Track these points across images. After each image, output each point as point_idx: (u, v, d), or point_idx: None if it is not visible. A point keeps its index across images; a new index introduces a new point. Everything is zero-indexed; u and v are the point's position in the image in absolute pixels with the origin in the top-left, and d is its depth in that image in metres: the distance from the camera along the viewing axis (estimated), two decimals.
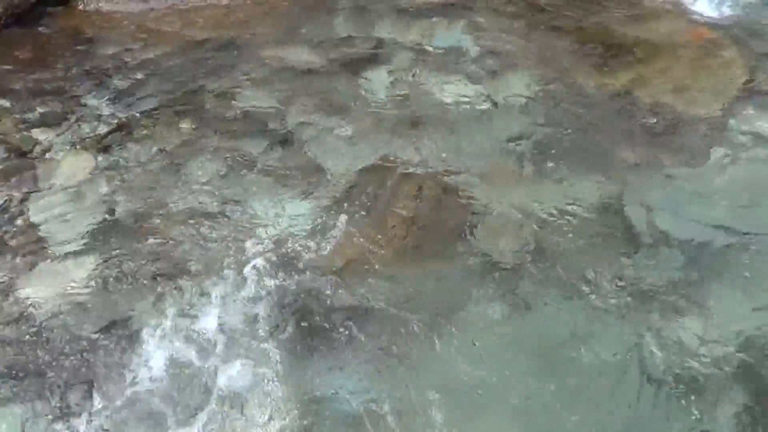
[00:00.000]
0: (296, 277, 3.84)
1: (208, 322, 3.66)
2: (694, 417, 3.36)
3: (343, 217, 4.11)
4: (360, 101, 4.83)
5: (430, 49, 5.26)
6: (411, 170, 4.37)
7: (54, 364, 3.55)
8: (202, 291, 3.78)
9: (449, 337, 3.64)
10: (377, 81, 5.01)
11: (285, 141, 4.62)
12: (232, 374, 3.46)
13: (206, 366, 3.49)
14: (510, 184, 4.26)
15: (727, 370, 3.52)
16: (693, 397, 3.43)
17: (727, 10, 5.65)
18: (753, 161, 4.45)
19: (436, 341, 3.59)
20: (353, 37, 5.40)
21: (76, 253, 4.04)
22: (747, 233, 4.09)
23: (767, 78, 5.01)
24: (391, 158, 4.43)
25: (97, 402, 3.41)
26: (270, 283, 3.79)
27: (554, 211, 4.13)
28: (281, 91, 4.98)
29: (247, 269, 3.86)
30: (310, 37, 5.42)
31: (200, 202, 4.22)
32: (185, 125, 4.72)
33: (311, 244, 3.99)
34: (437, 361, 3.55)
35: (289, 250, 3.94)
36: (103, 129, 4.76)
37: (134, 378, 3.48)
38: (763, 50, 5.23)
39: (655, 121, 4.71)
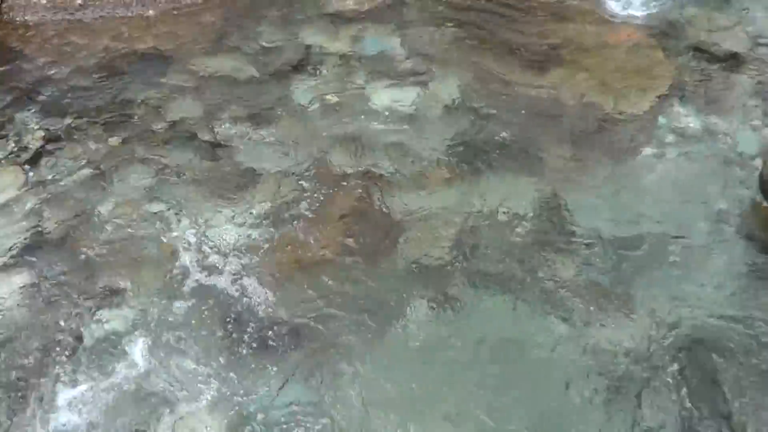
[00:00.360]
0: (230, 284, 3.86)
1: (136, 340, 3.66)
2: (623, 413, 3.44)
3: (276, 224, 4.13)
4: (290, 109, 4.86)
5: (360, 55, 5.28)
6: (344, 175, 4.40)
7: None
8: (134, 305, 3.78)
9: (382, 337, 3.71)
10: (306, 88, 5.05)
11: (215, 150, 4.62)
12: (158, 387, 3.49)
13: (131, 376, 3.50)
14: (443, 186, 4.33)
15: (658, 365, 3.62)
16: (623, 393, 3.52)
17: (653, 11, 5.76)
18: (681, 158, 4.58)
19: (370, 342, 3.67)
20: (282, 45, 5.41)
21: (4, 268, 3.97)
22: (676, 229, 4.22)
23: (693, 76, 5.09)
24: (323, 164, 4.46)
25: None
26: (203, 292, 3.81)
27: (487, 212, 4.19)
28: (210, 101, 4.98)
29: (179, 280, 3.87)
30: (237, 46, 5.43)
31: (130, 215, 4.21)
32: (114, 138, 4.72)
33: (244, 251, 4.00)
34: (369, 362, 3.60)
35: (222, 259, 3.96)
36: (31, 143, 4.72)
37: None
38: (688, 49, 5.31)
39: (584, 120, 4.78)
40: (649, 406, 3.41)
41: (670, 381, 3.56)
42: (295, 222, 4.09)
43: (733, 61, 5.23)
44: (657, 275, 3.96)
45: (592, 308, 3.75)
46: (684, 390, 3.42)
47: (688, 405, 3.35)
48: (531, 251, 3.95)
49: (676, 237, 4.11)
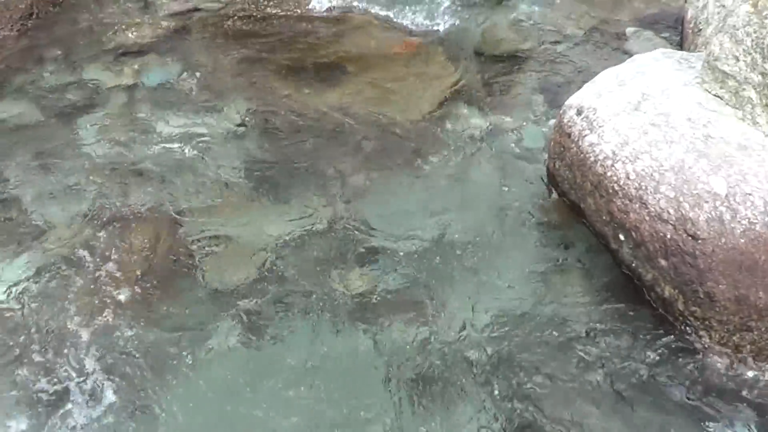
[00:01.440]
0: (26, 340, 3.73)
1: None
2: (432, 417, 3.43)
3: (71, 272, 4.02)
4: (78, 149, 4.72)
5: (145, 88, 5.20)
6: (138, 211, 4.30)
7: None
8: None
9: (191, 370, 3.60)
10: (94, 127, 4.92)
11: (1, 200, 4.45)
12: None
13: None
14: (239, 211, 4.28)
15: (458, 370, 3.63)
16: (430, 398, 3.51)
17: (432, 19, 5.91)
18: (471, 160, 4.64)
19: (179, 378, 3.55)
20: (66, 86, 5.27)
21: None
22: (472, 231, 4.26)
23: (476, 78, 5.25)
24: (117, 202, 4.36)
25: None
26: None
27: (284, 233, 4.16)
28: None
29: None
30: (21, 89, 5.25)
31: None
32: None
33: (37, 305, 3.88)
34: (179, 399, 3.50)
35: (10, 316, 3.83)
36: None
37: None
38: (468, 53, 5.48)
39: (373, 133, 4.79)
40: (457, 406, 3.40)
41: (478, 381, 3.58)
42: (90, 265, 3.95)
43: (513, 60, 5.39)
44: (457, 279, 4.00)
45: (394, 318, 3.74)
46: (491, 389, 3.45)
47: (495, 405, 3.40)
48: (330, 268, 3.96)
49: (473, 239, 4.15)
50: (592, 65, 5.22)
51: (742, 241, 3.35)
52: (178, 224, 4.17)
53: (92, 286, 3.87)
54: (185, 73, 5.28)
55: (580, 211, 3.94)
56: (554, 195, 4.26)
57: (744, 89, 3.69)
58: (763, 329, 3.38)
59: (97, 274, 3.91)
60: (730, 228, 3.37)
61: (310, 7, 5.89)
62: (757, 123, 3.65)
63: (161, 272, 3.92)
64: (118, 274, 3.91)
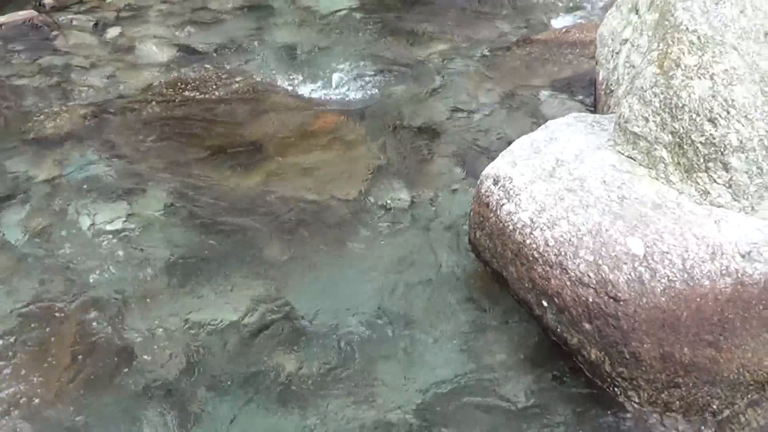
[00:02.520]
0: None
1: None
2: None
3: None
4: (1, 247, 4.67)
5: (66, 177, 5.16)
6: (65, 307, 4.24)
7: None
8: None
9: None
10: (15, 222, 4.86)
11: None
12: None
13: None
14: (163, 300, 4.25)
15: None
16: None
17: (347, 93, 5.99)
18: (392, 236, 4.67)
19: None
20: None
21: None
22: (400, 307, 4.30)
23: (396, 152, 5.31)
24: (42, 299, 4.30)
25: None
26: None
27: (212, 320, 4.12)
28: None
29: None
30: None
31: None
32: None
33: None
34: None
35: None
36: None
37: None
38: (386, 126, 5.55)
39: (295, 213, 4.81)
40: None
41: None
42: (13, 359, 3.89)
43: (431, 130, 5.47)
44: (387, 356, 4.02)
45: (327, 398, 3.74)
46: None
47: None
48: (261, 350, 3.94)
49: (402, 313, 4.18)
50: (509, 132, 5.32)
51: (663, 299, 3.42)
52: (104, 314, 4.09)
53: (16, 380, 3.74)
54: (106, 161, 5.26)
55: (503, 279, 3.99)
56: (478, 265, 4.18)
57: (656, 149, 3.79)
58: (690, 385, 3.44)
59: (22, 372, 3.80)
60: (651, 287, 3.43)
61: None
62: (671, 181, 3.74)
63: (88, 364, 3.88)
64: (42, 369, 3.81)
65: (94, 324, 4.11)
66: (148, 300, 4.22)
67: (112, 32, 7.06)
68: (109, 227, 4.72)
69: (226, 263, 4.44)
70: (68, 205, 4.90)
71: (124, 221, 4.76)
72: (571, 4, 7.88)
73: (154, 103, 5.92)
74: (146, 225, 4.73)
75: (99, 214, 4.82)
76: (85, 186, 5.06)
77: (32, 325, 4.09)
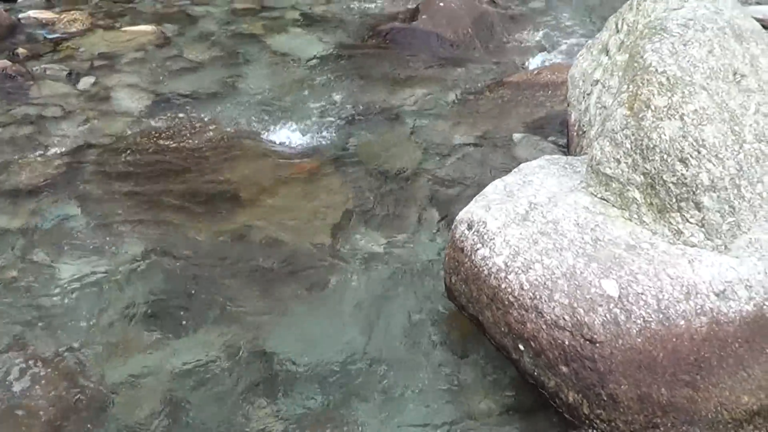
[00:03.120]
0: None
1: None
2: None
3: None
4: None
5: (40, 228, 5.14)
6: (42, 360, 4.21)
7: None
8: None
9: None
10: None
11: None
12: None
13: None
14: (139, 351, 4.23)
15: None
16: None
17: (322, 139, 6.03)
18: (368, 282, 4.69)
19: None
20: None
21: None
22: (377, 352, 4.30)
23: (370, 196, 5.34)
24: (18, 351, 4.27)
25: None
26: None
27: (188, 370, 4.10)
28: None
29: None
30: None
31: None
32: None
33: None
34: None
35: None
36: None
37: None
38: (360, 172, 5.58)
39: (271, 261, 4.80)
40: None
41: None
42: None
43: (405, 175, 5.50)
44: (365, 403, 4.00)
45: None
46: None
47: None
48: (238, 399, 3.92)
49: (379, 360, 4.17)
50: (482, 175, 5.35)
51: (639, 340, 3.43)
52: (80, 366, 4.05)
53: None
54: (81, 211, 5.26)
55: (479, 324, 3.99)
56: (454, 309, 4.19)
57: (628, 190, 3.82)
58: (669, 425, 3.46)
59: None
60: (626, 329, 3.44)
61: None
62: (644, 222, 3.77)
63: (66, 417, 3.80)
64: (18, 420, 3.77)
65: (70, 375, 4.05)
66: (124, 349, 4.21)
67: (86, 81, 7.08)
68: (84, 277, 4.69)
69: (202, 311, 4.45)
70: (43, 256, 4.89)
71: (100, 271, 4.75)
72: (543, 46, 7.93)
73: (128, 152, 5.92)
74: (121, 274, 4.72)
75: (74, 264, 4.79)
76: (60, 236, 5.05)
77: (7, 377, 4.03)
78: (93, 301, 4.54)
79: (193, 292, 4.57)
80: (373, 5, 9.29)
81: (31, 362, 4.15)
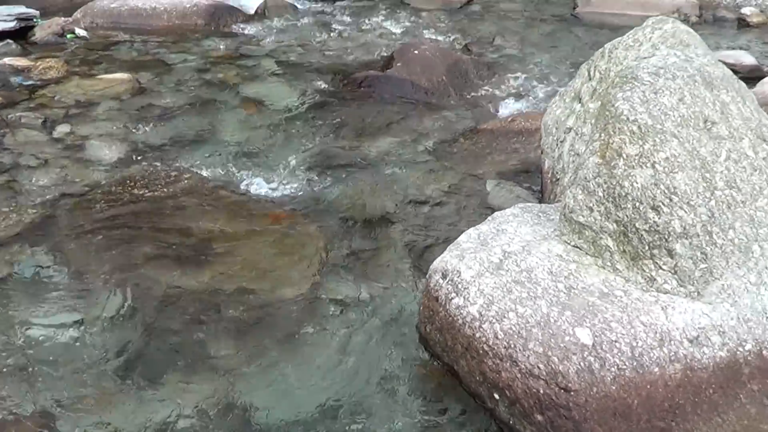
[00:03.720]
0: None
1: None
2: None
3: None
4: None
5: (14, 280, 5.11)
6: (16, 415, 4.17)
7: None
8: None
9: None
10: None
11: None
12: None
13: None
14: (113, 403, 4.20)
15: None
16: None
17: (296, 188, 6.05)
18: (343, 332, 4.72)
19: None
20: None
21: None
22: (353, 404, 4.29)
23: (345, 245, 5.36)
24: None
25: None
26: None
27: (160, 424, 4.08)
28: None
29: None
30: None
31: None
32: None
33: None
34: None
35: None
36: None
37: None
38: (335, 221, 5.60)
39: (245, 312, 4.79)
40: None
41: None
42: None
43: (379, 224, 5.52)
44: None
45: None
46: None
47: None
48: None
49: (356, 411, 4.16)
50: (457, 223, 5.38)
51: (614, 388, 3.46)
52: (52, 420, 4.02)
53: None
54: (55, 262, 5.25)
55: (454, 373, 4.01)
56: (429, 358, 4.20)
57: (601, 238, 3.85)
58: None
59: None
60: (600, 377, 3.46)
61: None
62: (617, 269, 3.80)
63: None
64: None
65: (42, 428, 4.00)
66: (98, 401, 4.20)
67: (61, 130, 7.10)
68: (58, 330, 4.66)
69: (176, 362, 4.43)
70: (17, 308, 4.86)
71: (74, 323, 4.74)
72: (517, 93, 8.01)
73: (103, 201, 5.92)
74: (96, 327, 4.70)
75: (48, 316, 4.78)
76: (33, 288, 5.03)
77: None
78: (65, 353, 4.52)
79: (168, 344, 4.58)
80: (348, 53, 9.33)
81: (5, 416, 4.08)
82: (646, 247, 3.80)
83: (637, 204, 3.78)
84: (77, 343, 4.58)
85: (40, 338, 4.66)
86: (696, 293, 3.77)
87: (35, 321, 4.78)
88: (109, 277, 5.12)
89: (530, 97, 8.02)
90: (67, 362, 4.49)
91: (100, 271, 5.18)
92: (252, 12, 10.53)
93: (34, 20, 9.61)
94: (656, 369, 3.53)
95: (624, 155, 3.83)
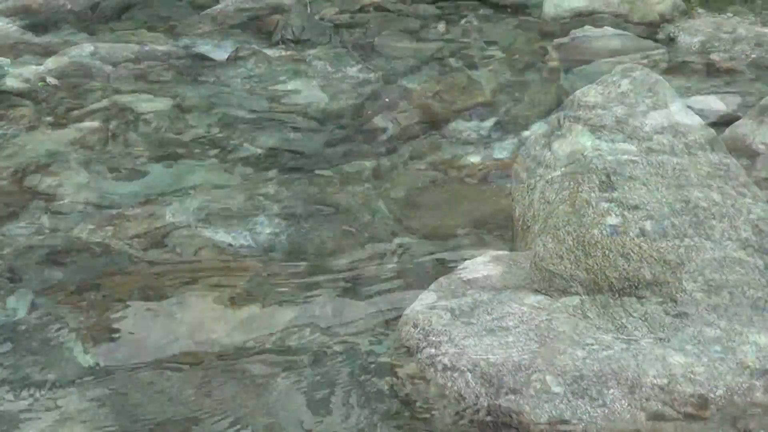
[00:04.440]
0: None
1: None
2: None
3: None
4: None
5: None
6: None
7: None
8: None
9: None
10: None
11: None
12: None
13: None
14: None
15: None
16: None
17: (270, 240, 6.12)
18: (319, 383, 4.68)
19: None
20: None
21: None
22: None
23: (316, 298, 5.43)
24: None
25: None
26: None
27: None
28: None
29: None
30: None
31: None
32: None
33: None
34: None
35: None
36: None
37: None
38: (308, 272, 5.66)
39: (215, 363, 4.90)
40: None
41: None
42: None
43: (352, 275, 5.57)
44: None
45: None
46: None
47: None
48: None
49: None
50: (428, 272, 5.34)
51: None
52: None
53: None
54: (25, 320, 5.15)
55: (428, 422, 3.95)
56: (403, 409, 4.20)
57: (571, 286, 3.85)
58: None
59: None
60: (572, 426, 3.44)
61: None
62: (588, 317, 3.83)
63: None
64: None
65: None
66: None
67: (32, 180, 7.00)
68: (28, 388, 4.60)
69: (150, 422, 4.34)
70: None
71: (44, 380, 4.63)
72: (488, 140, 8.06)
73: (73, 254, 5.92)
74: (70, 386, 4.62)
75: (17, 377, 4.70)
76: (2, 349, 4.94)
77: None
78: (34, 414, 4.43)
79: (140, 402, 4.50)
80: (319, 100, 9.36)
81: None
82: (616, 295, 3.82)
83: (607, 252, 3.81)
84: (47, 404, 4.54)
85: (7, 398, 4.58)
86: (666, 340, 3.79)
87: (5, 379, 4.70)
88: (80, 335, 5.12)
89: (502, 145, 8.02)
90: (34, 423, 4.40)
91: (71, 329, 5.19)
92: (224, 59, 10.52)
93: (5, 68, 9.56)
94: (627, 416, 3.53)
95: (593, 203, 3.86)
